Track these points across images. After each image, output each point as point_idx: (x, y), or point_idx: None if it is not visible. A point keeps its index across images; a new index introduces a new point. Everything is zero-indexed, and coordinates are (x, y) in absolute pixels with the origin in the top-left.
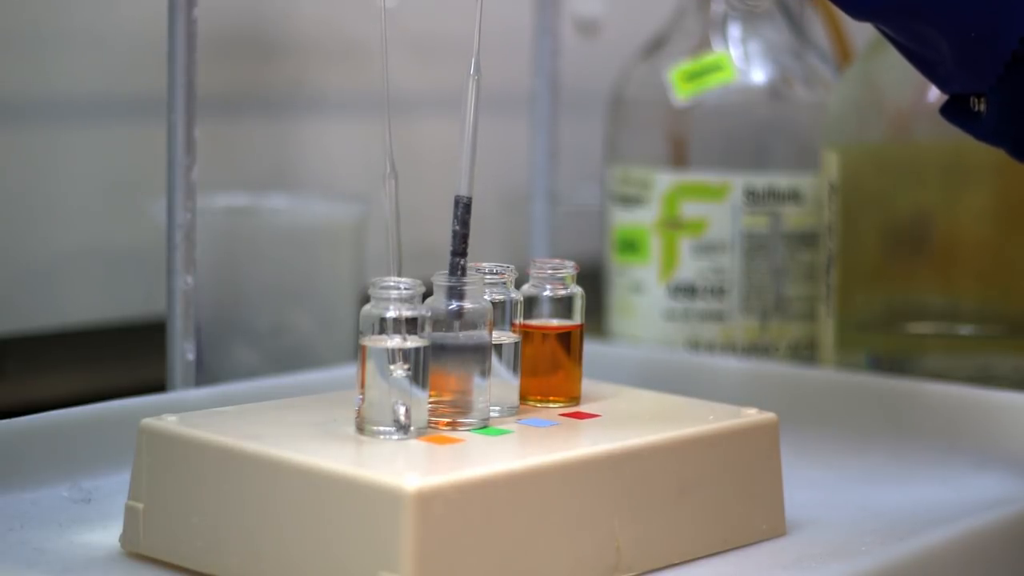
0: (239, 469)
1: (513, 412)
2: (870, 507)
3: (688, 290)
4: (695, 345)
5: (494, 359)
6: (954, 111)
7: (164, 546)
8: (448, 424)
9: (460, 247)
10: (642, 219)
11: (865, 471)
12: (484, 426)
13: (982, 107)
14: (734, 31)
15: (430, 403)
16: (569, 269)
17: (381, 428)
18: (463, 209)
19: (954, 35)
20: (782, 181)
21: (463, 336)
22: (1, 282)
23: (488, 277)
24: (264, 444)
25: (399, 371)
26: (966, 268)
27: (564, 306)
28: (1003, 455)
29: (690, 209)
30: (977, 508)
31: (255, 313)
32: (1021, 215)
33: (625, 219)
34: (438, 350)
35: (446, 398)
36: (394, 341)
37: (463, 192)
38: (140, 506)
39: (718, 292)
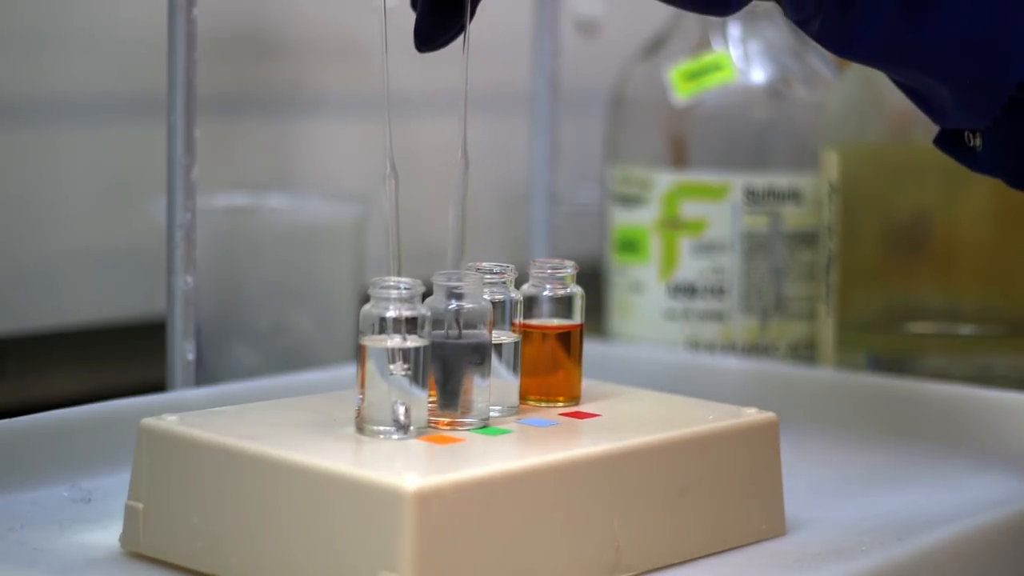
0: (239, 469)
1: (513, 412)
2: (870, 507)
3: (688, 290)
4: (695, 345)
5: (494, 359)
6: (948, 143)
7: (164, 546)
8: (448, 424)
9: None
10: (642, 219)
11: (865, 471)
12: (484, 426)
13: (977, 142)
14: (734, 31)
15: (430, 403)
16: (569, 269)
17: (381, 428)
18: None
19: (950, 80)
20: (782, 181)
21: (463, 336)
22: (1, 282)
23: (488, 277)
24: (264, 444)
25: (399, 371)
26: (966, 268)
27: (564, 306)
28: (1003, 455)
29: (690, 209)
30: (977, 508)
31: (255, 313)
32: (1021, 215)
33: (625, 219)
34: (438, 350)
35: None
36: (394, 341)
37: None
38: (140, 506)
39: (718, 292)
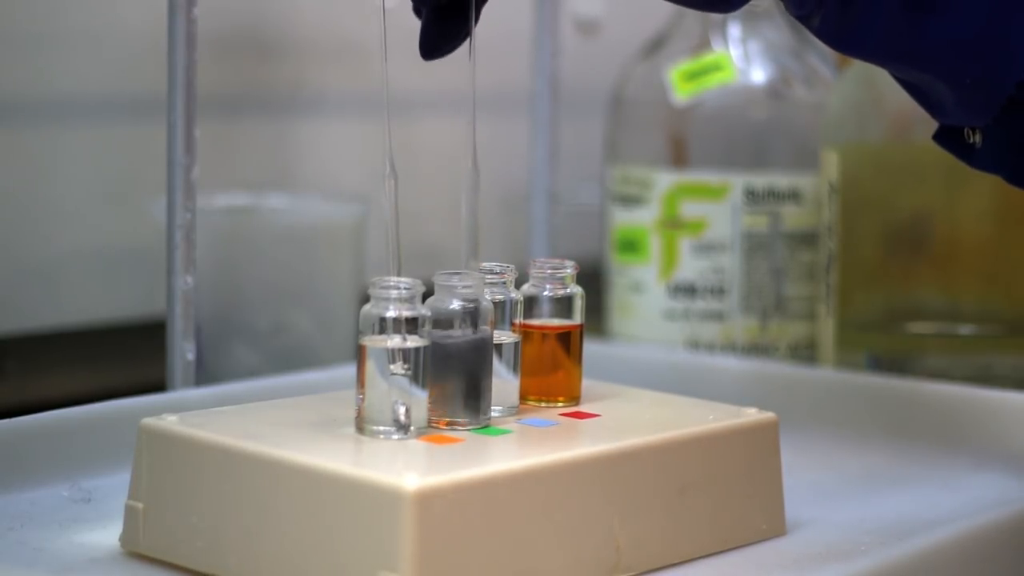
0: (239, 469)
1: (513, 412)
2: (870, 507)
3: (688, 290)
4: (695, 345)
5: (494, 359)
6: (948, 139)
7: (164, 546)
8: (448, 424)
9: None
10: (642, 219)
11: (865, 471)
12: (484, 426)
13: (976, 138)
14: (734, 31)
15: (430, 403)
16: (569, 269)
17: (381, 428)
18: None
19: (949, 79)
20: (782, 181)
21: (463, 336)
22: (1, 282)
23: (488, 277)
24: (264, 444)
25: (399, 371)
26: (966, 268)
27: (564, 306)
28: (1003, 455)
29: (690, 209)
30: (977, 508)
31: (255, 313)
32: (1021, 215)
33: (625, 219)
34: (439, 350)
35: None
36: (394, 341)
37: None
38: (140, 506)
39: (718, 292)
